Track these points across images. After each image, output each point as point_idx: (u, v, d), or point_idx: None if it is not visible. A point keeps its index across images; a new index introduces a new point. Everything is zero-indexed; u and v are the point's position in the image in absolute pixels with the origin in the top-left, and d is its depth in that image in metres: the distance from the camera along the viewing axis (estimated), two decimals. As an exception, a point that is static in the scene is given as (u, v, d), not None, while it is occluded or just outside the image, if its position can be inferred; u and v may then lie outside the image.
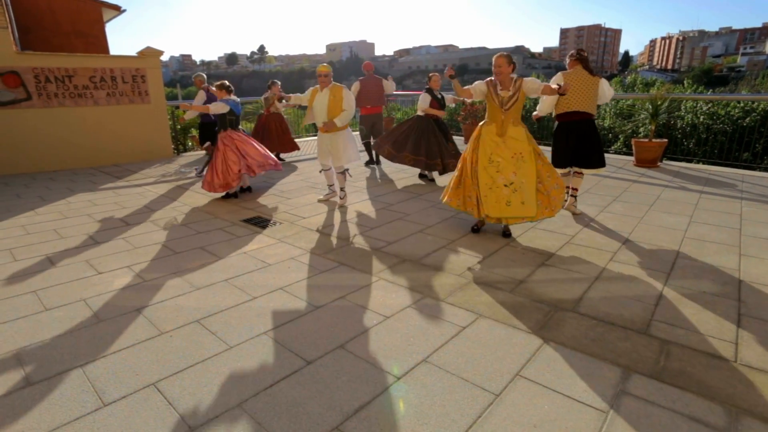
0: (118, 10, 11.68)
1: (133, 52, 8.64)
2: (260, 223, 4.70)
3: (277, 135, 7.98)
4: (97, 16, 11.30)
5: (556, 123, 4.76)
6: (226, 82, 5.67)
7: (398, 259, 3.66)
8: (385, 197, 5.63)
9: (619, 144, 10.47)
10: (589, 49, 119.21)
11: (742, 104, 8.41)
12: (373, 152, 7.69)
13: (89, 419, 1.92)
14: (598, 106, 4.98)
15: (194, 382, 2.15)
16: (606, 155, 8.50)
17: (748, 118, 8.16)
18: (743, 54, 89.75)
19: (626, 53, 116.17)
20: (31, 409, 1.98)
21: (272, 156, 5.83)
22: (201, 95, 7.05)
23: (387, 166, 7.70)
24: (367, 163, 7.80)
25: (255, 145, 5.70)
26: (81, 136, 8.04)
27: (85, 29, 11.08)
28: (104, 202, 5.66)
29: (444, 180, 6.50)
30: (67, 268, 3.56)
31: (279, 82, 7.45)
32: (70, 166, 8.03)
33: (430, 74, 6.26)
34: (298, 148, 8.46)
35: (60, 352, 2.41)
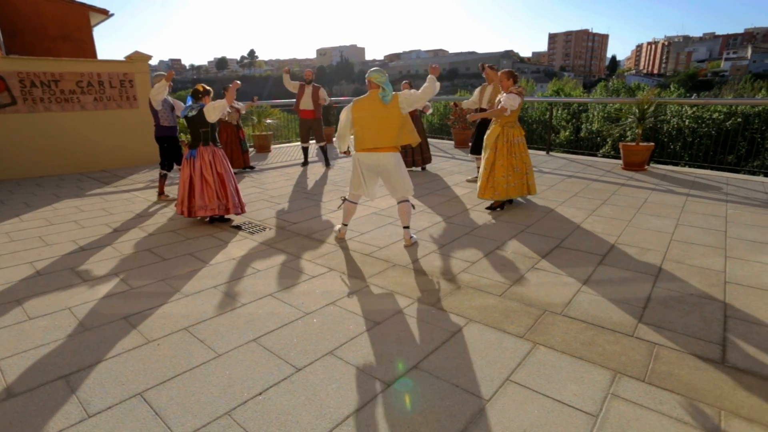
0: (105, 14, 11.60)
1: (122, 57, 8.57)
2: (250, 228, 4.66)
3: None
4: (85, 20, 11.21)
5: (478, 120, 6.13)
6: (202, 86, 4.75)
7: (388, 264, 3.65)
8: (374, 202, 5.62)
9: (607, 147, 10.60)
10: (577, 53, 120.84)
11: (723, 108, 8.57)
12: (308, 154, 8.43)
13: (73, 431, 1.88)
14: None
15: (182, 391, 2.12)
16: (594, 159, 8.64)
17: (729, 121, 8.32)
18: (726, 59, 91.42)
19: (613, 58, 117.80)
20: (13, 422, 1.94)
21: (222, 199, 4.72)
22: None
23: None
24: (303, 164, 8.39)
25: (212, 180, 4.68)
26: (68, 141, 7.94)
27: (72, 33, 10.98)
28: (91, 208, 5.58)
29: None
30: (52, 276, 3.50)
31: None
32: (57, 172, 7.92)
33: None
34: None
35: (43, 362, 2.36)
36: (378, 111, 3.77)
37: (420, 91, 3.82)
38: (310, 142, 8.80)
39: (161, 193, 6.03)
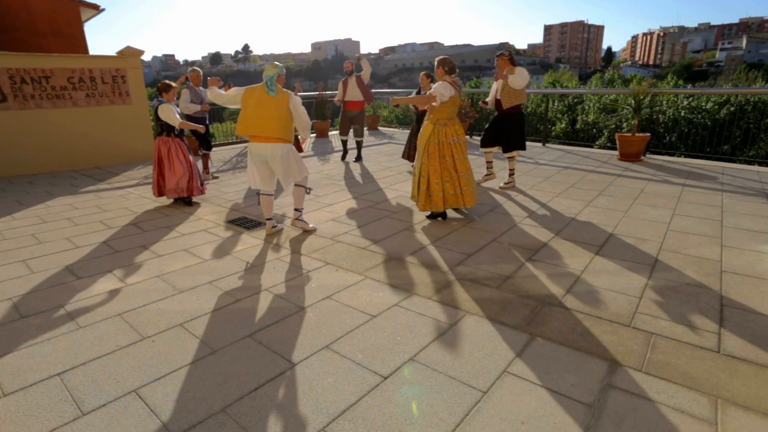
0: (96, 9, 11.44)
1: (114, 53, 8.47)
2: (245, 223, 4.63)
3: None
4: (75, 15, 11.05)
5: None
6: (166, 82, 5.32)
7: (384, 257, 3.63)
8: (370, 195, 5.60)
9: (603, 139, 10.59)
10: (573, 45, 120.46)
11: (718, 98, 8.57)
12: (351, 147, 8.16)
13: (67, 429, 1.86)
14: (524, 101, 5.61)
15: (177, 388, 2.10)
16: (590, 150, 8.63)
17: (723, 110, 8.32)
18: (722, 49, 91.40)
19: (609, 49, 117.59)
20: (6, 421, 1.92)
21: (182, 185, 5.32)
22: (186, 94, 6.56)
23: (371, 164, 7.68)
24: (343, 158, 8.18)
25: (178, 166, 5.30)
26: (60, 138, 7.86)
27: (62, 29, 10.83)
28: (85, 205, 5.54)
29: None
30: (46, 274, 3.46)
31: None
32: (50, 170, 7.84)
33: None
34: None
35: (37, 360, 2.34)
36: (264, 99, 3.89)
37: (302, 120, 4.03)
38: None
39: (206, 169, 6.91)
